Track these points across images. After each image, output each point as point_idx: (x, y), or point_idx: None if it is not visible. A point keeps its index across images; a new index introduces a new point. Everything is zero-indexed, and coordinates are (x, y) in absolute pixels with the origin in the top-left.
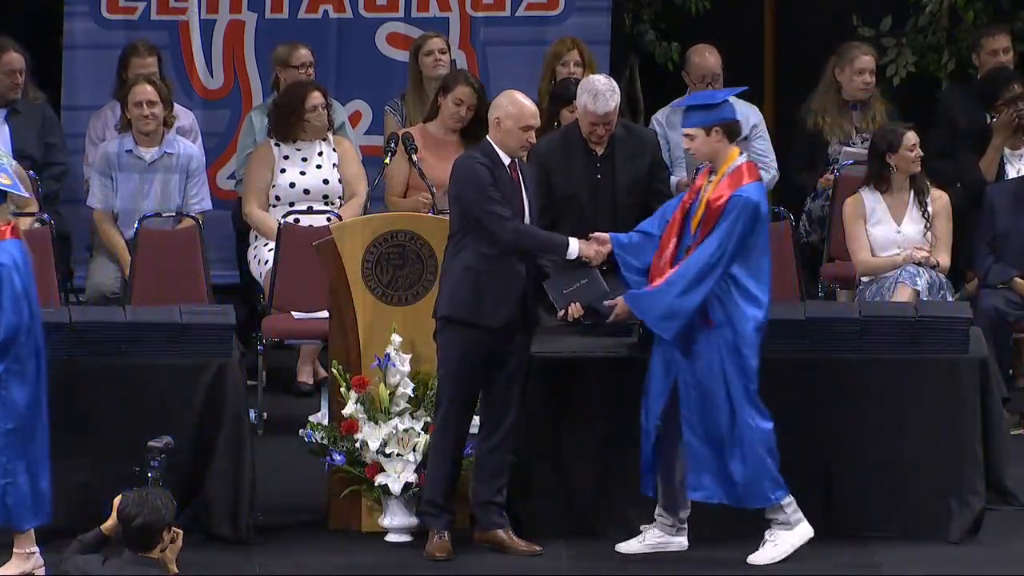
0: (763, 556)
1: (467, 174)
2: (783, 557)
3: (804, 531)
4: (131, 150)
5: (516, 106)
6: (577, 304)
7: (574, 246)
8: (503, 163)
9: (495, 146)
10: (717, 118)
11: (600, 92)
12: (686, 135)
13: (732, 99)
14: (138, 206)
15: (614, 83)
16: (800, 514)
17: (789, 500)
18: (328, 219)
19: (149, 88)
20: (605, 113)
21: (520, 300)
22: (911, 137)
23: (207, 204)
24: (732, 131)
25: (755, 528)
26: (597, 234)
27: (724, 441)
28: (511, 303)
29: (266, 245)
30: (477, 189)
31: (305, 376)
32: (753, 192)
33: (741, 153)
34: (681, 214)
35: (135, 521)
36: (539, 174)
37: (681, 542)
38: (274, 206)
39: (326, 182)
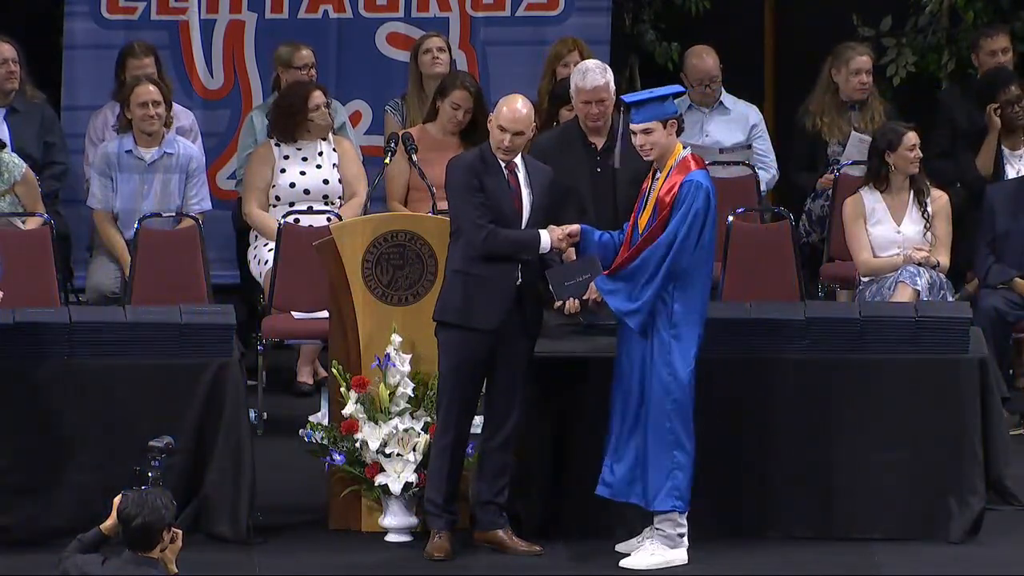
0: (638, 561)
1: (449, 177)
2: (652, 568)
3: (682, 556)
4: (131, 150)
5: (503, 109)
6: (575, 300)
7: (545, 239)
8: (498, 165)
9: (493, 148)
10: (671, 112)
11: (589, 69)
12: (644, 130)
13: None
14: (138, 206)
15: (605, 65)
16: (684, 540)
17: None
18: (328, 219)
19: (152, 88)
20: (595, 88)
21: (516, 301)
22: (911, 137)
23: (207, 204)
24: (680, 126)
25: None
26: (566, 226)
27: (640, 441)
28: (504, 304)
29: (266, 245)
30: (455, 193)
31: (305, 376)
32: (703, 177)
33: (685, 147)
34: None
35: (135, 521)
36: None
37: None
38: (274, 206)
39: (326, 182)
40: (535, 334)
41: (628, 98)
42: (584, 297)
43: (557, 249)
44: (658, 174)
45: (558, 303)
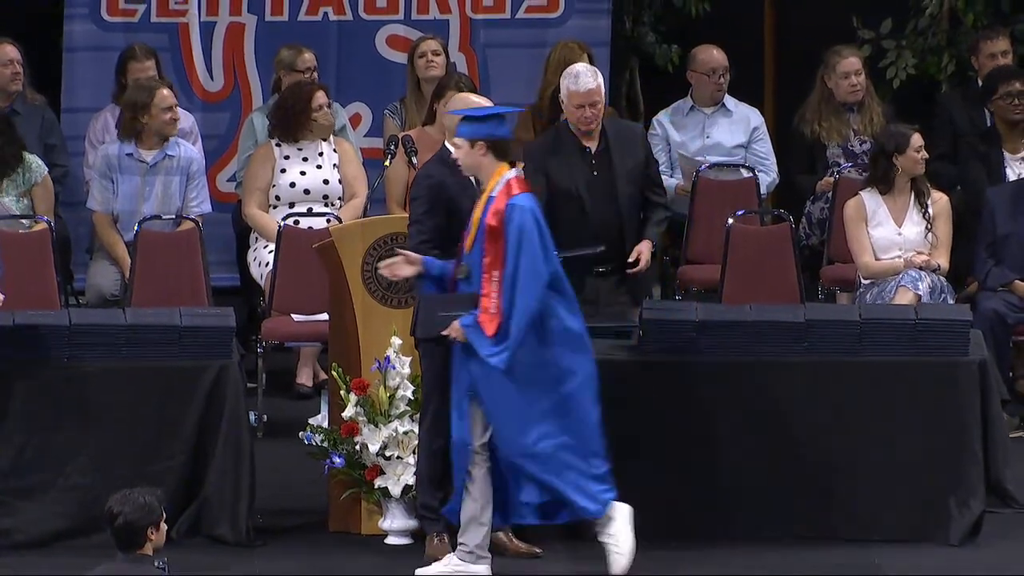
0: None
1: (413, 190)
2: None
3: (483, 570)
4: (132, 152)
5: (475, 107)
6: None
7: None
8: (461, 172)
9: (455, 151)
10: (484, 133)
11: (580, 73)
12: (454, 144)
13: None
14: (138, 208)
15: (595, 68)
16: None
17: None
18: (328, 221)
19: (167, 92)
20: (588, 91)
21: None
22: (917, 139)
23: (207, 207)
24: (499, 148)
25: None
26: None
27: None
28: None
29: (266, 247)
30: (415, 206)
31: (304, 378)
32: (526, 199)
33: (512, 168)
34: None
35: (117, 520)
36: (535, 171)
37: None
38: (274, 207)
39: (326, 182)
40: None
41: (465, 112)
42: (444, 333)
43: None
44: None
45: (433, 334)
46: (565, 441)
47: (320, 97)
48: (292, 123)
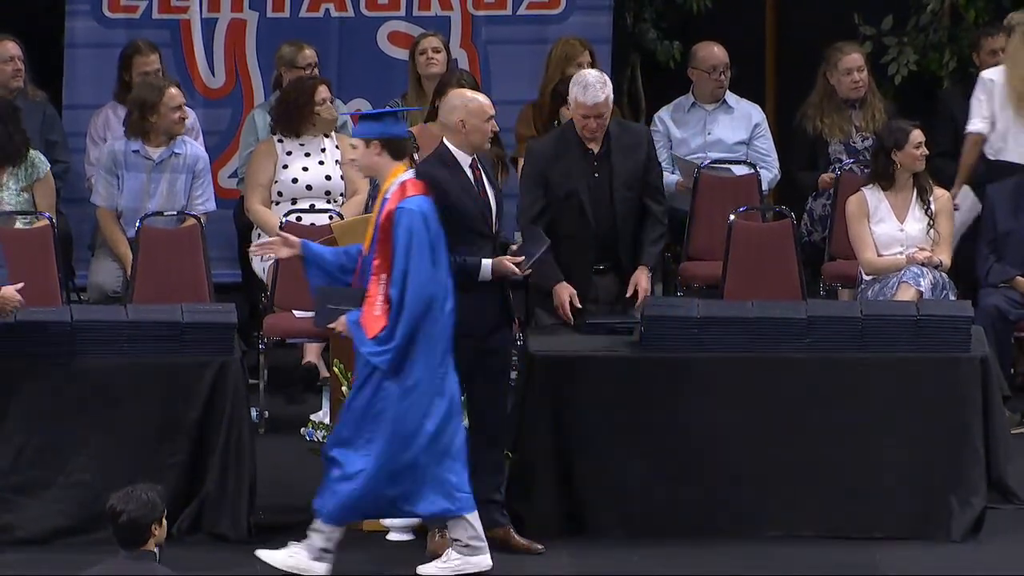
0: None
1: None
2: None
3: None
4: (138, 149)
5: (475, 103)
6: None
7: (486, 270)
8: (461, 166)
9: (453, 149)
10: (379, 132)
11: (590, 84)
12: (352, 145)
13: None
14: (144, 205)
15: (605, 77)
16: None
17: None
18: (330, 217)
19: (176, 91)
20: (595, 104)
21: (502, 299)
22: (917, 135)
23: (211, 205)
24: (394, 147)
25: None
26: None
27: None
28: (493, 306)
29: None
30: None
31: (312, 356)
32: (416, 203)
33: (408, 169)
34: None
35: (121, 517)
36: (536, 174)
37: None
38: (276, 202)
39: (328, 178)
40: (512, 328)
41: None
42: (331, 325)
43: (499, 275)
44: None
45: (326, 326)
46: (437, 448)
47: (323, 91)
48: (295, 117)
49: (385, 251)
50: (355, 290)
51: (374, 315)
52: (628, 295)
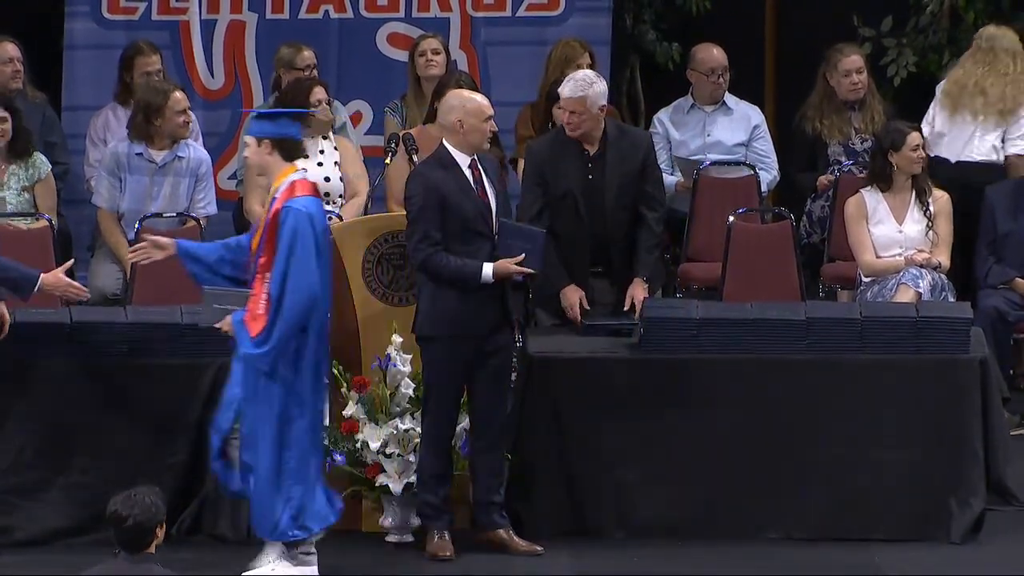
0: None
1: (407, 190)
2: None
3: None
4: (141, 152)
5: (473, 103)
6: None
7: (487, 273)
8: (459, 166)
9: (452, 149)
10: (271, 132)
11: (575, 79)
12: (245, 143)
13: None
14: (146, 208)
15: (596, 79)
16: (311, 558)
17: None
18: (329, 219)
19: (180, 95)
20: (569, 98)
21: (501, 300)
22: (915, 137)
23: (213, 208)
24: (285, 148)
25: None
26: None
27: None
28: (493, 306)
29: None
30: (410, 205)
31: None
32: (304, 203)
33: (298, 170)
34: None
35: (127, 522)
36: (534, 173)
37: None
38: None
39: (327, 180)
40: (513, 329)
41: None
42: (217, 325)
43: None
44: (275, 196)
45: (215, 325)
46: (298, 459)
47: (318, 92)
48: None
49: (271, 250)
50: (242, 290)
51: (256, 314)
52: (625, 308)
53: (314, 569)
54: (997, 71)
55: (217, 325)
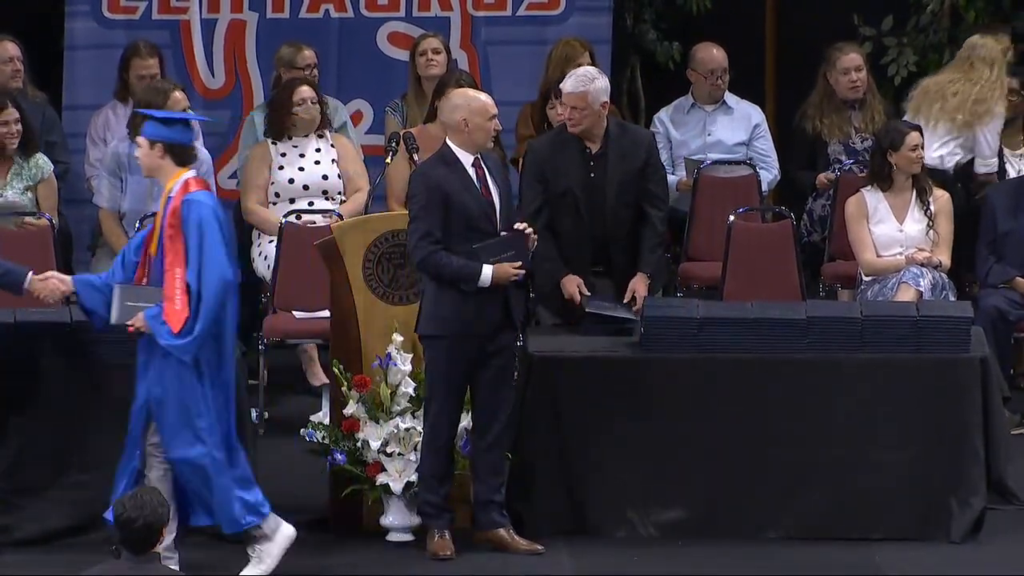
0: (251, 571)
1: (410, 188)
2: (272, 570)
3: (285, 533)
4: None
5: (478, 102)
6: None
7: (486, 276)
8: (463, 165)
9: (455, 148)
10: (165, 135)
11: (576, 75)
12: (137, 141)
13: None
14: (146, 208)
15: (596, 75)
16: (277, 522)
17: (263, 521)
18: (330, 218)
19: (180, 95)
20: (570, 93)
21: (503, 300)
22: (914, 137)
23: None
24: (177, 153)
25: (755, 534)
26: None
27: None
28: (496, 306)
29: (271, 241)
30: (412, 204)
31: (317, 379)
32: (202, 196)
33: (190, 169)
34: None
35: (137, 523)
36: (534, 171)
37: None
38: (274, 203)
39: (325, 177)
40: (516, 329)
41: (151, 112)
42: (129, 323)
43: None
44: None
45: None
46: (222, 455)
47: (302, 92)
48: (278, 120)
49: (176, 246)
50: (153, 288)
51: (175, 309)
52: (625, 300)
53: (286, 527)
54: (969, 79)
55: (129, 323)
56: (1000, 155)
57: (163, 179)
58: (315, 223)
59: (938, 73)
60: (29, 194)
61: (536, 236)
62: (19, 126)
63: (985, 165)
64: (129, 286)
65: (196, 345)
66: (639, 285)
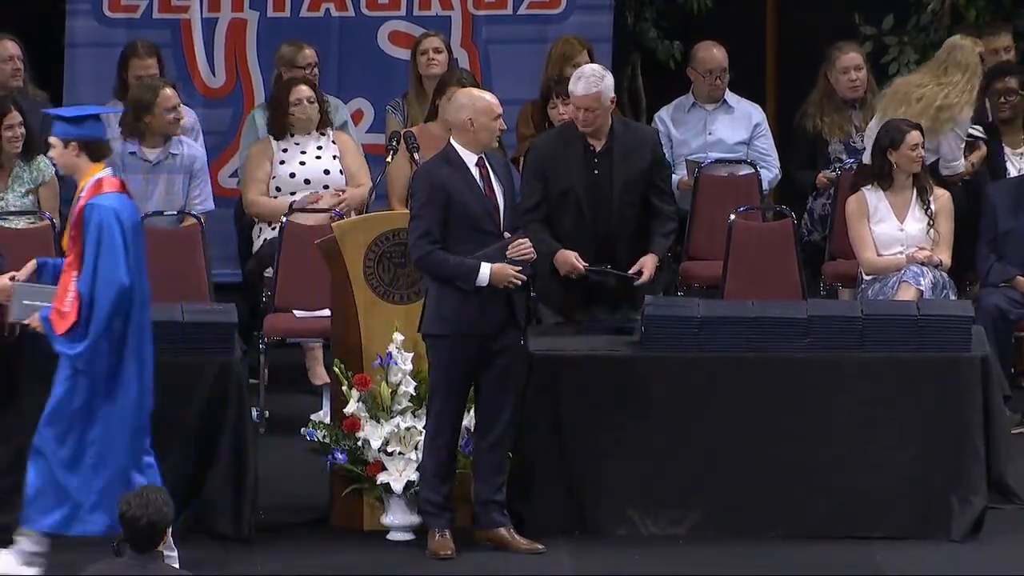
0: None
1: (412, 186)
2: None
3: (12, 559)
4: (135, 151)
5: (483, 101)
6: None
7: (484, 274)
8: (466, 165)
9: (459, 148)
10: (76, 133)
11: (584, 76)
12: (50, 143)
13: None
14: (142, 207)
15: (605, 71)
16: (32, 547)
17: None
18: (331, 219)
19: (170, 92)
20: (583, 95)
21: (506, 299)
22: (914, 136)
23: (209, 204)
24: (92, 149)
25: (755, 534)
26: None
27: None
28: (498, 305)
29: (273, 228)
30: (414, 202)
31: (319, 379)
32: (109, 200)
33: (105, 168)
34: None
35: (141, 521)
36: (535, 168)
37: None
38: (275, 197)
39: (327, 172)
40: (521, 329)
41: (60, 112)
42: (26, 322)
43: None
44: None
45: (22, 322)
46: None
47: (299, 91)
48: (276, 119)
49: (76, 249)
50: (51, 288)
51: (63, 311)
52: (631, 271)
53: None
54: (939, 83)
55: (26, 322)
56: (1001, 155)
57: (79, 177)
58: (316, 220)
59: (912, 73)
60: (30, 198)
61: (533, 253)
62: (22, 130)
63: (948, 168)
64: (28, 284)
65: (89, 353)
66: (648, 261)
